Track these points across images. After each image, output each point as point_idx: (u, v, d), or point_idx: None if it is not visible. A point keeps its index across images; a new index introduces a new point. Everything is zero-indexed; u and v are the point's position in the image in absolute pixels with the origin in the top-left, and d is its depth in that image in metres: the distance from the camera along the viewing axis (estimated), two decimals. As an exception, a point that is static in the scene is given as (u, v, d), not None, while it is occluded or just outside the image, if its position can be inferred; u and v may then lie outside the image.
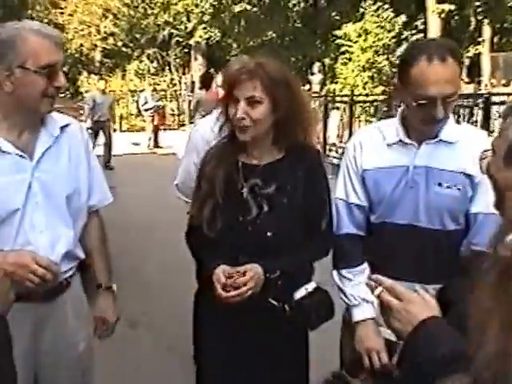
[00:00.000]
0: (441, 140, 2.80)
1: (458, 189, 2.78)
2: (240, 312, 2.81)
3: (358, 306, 2.93)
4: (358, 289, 2.94)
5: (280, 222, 2.88)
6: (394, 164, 2.87)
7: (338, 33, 23.76)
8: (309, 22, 28.83)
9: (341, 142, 15.69)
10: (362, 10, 23.85)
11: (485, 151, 1.81)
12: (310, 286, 2.85)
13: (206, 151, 3.19)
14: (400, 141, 2.86)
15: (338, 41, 23.84)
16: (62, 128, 2.88)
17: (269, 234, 2.87)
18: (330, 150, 15.29)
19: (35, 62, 2.57)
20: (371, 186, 2.94)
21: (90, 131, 13.39)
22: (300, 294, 2.82)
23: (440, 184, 2.78)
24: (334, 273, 3.05)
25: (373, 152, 2.96)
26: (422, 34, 26.19)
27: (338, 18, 28.18)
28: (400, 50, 22.24)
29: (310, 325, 2.95)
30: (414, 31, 25.80)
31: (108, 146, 16.50)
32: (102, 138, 16.51)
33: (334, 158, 14.66)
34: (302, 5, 31.34)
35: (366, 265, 2.97)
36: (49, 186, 2.77)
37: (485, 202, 2.68)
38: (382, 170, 2.90)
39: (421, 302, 1.92)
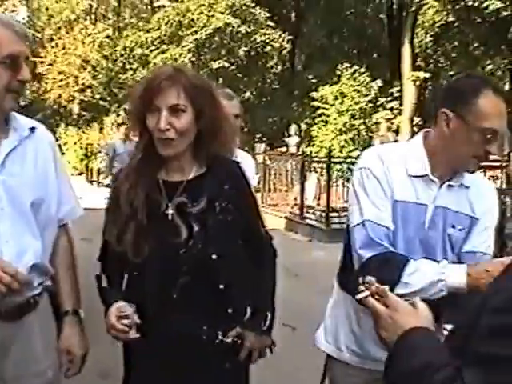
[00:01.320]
0: (461, 184, 2.75)
1: (466, 231, 2.75)
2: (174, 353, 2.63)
3: (446, 272, 2.54)
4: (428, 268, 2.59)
5: (222, 242, 2.65)
6: (414, 200, 2.72)
7: (315, 95, 23.74)
8: (286, 84, 29.11)
9: (318, 204, 15.74)
10: (338, 72, 23.84)
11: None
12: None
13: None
14: (426, 176, 2.71)
15: (314, 103, 23.77)
16: (31, 129, 2.67)
17: (213, 256, 2.61)
18: (307, 212, 15.14)
19: None
20: (398, 219, 2.70)
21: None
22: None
23: (453, 226, 2.74)
24: (400, 289, 2.55)
25: (398, 181, 2.73)
26: (397, 101, 26.58)
27: (314, 80, 28.48)
28: (376, 117, 22.94)
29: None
30: (389, 98, 25.85)
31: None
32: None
33: (311, 219, 14.70)
34: (280, 67, 31.74)
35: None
36: (14, 191, 2.55)
37: (474, 241, 2.74)
38: (401, 203, 2.71)
39: (408, 311, 1.82)
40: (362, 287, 1.99)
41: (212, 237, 2.63)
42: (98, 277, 2.79)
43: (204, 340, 2.64)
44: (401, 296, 2.48)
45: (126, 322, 2.53)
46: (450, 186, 2.74)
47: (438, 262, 2.58)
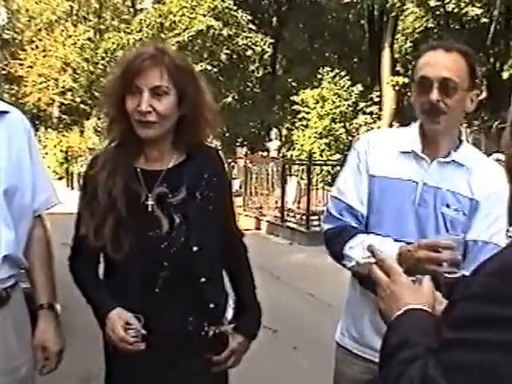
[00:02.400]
0: (453, 160, 2.72)
1: (464, 213, 2.70)
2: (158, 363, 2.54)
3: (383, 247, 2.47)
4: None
5: (204, 233, 2.55)
6: (403, 177, 2.73)
7: (296, 99, 24.01)
8: (267, 88, 29.17)
9: (298, 208, 15.81)
10: (319, 76, 24.09)
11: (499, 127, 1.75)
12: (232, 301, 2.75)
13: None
14: (414, 152, 2.73)
15: (295, 107, 24.02)
16: (2, 114, 2.57)
17: (195, 248, 2.52)
18: (288, 215, 15.16)
19: None
20: (378, 196, 2.76)
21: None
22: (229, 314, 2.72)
23: (448, 206, 2.70)
24: (344, 260, 2.72)
25: (383, 157, 2.79)
26: (377, 106, 26.79)
27: (295, 84, 28.58)
28: (356, 121, 23.27)
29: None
30: (369, 102, 26.22)
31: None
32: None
33: (292, 222, 14.72)
34: (261, 71, 31.79)
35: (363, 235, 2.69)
36: None
37: (477, 229, 2.69)
38: (390, 180, 2.75)
39: (407, 285, 1.76)
40: (367, 253, 2.06)
41: (193, 228, 2.54)
42: (77, 276, 2.66)
43: (190, 331, 2.56)
44: (349, 268, 2.77)
45: (133, 333, 2.45)
46: (441, 163, 2.72)
47: None
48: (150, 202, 2.53)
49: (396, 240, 2.59)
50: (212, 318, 2.63)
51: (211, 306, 2.62)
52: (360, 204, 2.78)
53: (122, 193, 2.48)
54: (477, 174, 2.73)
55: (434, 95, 2.56)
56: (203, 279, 2.57)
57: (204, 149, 2.68)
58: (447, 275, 2.34)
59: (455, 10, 25.44)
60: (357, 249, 2.66)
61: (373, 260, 1.92)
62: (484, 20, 26.10)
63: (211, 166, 2.66)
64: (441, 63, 2.58)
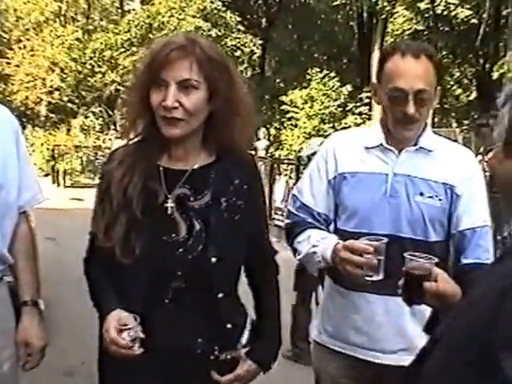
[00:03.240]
0: (421, 147, 2.74)
1: (440, 199, 2.71)
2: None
3: (322, 243, 2.66)
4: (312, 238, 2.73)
5: (224, 244, 2.32)
6: (372, 170, 2.75)
7: (285, 99, 24.17)
8: (256, 88, 29.19)
9: (286, 206, 15.71)
10: (308, 77, 24.23)
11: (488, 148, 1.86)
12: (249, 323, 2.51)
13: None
14: (380, 145, 2.75)
15: (284, 107, 24.19)
16: None
17: (213, 259, 2.29)
18: (276, 214, 15.27)
19: None
20: (347, 192, 2.77)
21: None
22: (245, 337, 2.47)
23: (422, 194, 2.70)
24: (297, 254, 2.82)
25: (350, 155, 2.80)
26: (367, 107, 26.63)
27: (284, 85, 28.87)
28: (345, 121, 23.35)
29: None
30: (358, 103, 26.15)
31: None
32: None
33: (279, 220, 14.58)
34: (250, 72, 31.79)
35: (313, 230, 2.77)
36: None
37: (470, 217, 2.70)
38: (359, 174, 2.77)
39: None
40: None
41: (214, 237, 2.31)
42: (88, 276, 2.48)
43: (198, 354, 2.32)
44: (299, 262, 2.92)
45: (127, 336, 2.19)
46: (410, 152, 2.74)
47: (401, 236, 2.65)
48: (170, 204, 2.32)
49: (368, 234, 2.56)
50: (226, 341, 2.40)
51: (228, 326, 2.39)
52: (315, 202, 2.83)
53: (139, 192, 2.29)
54: (447, 158, 2.77)
55: (411, 109, 2.57)
56: (221, 294, 2.35)
57: (237, 152, 2.44)
58: (367, 278, 2.42)
59: (444, 13, 25.83)
60: (304, 243, 2.75)
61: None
62: (473, 21, 26.43)
63: (243, 171, 2.43)
64: (414, 74, 2.58)
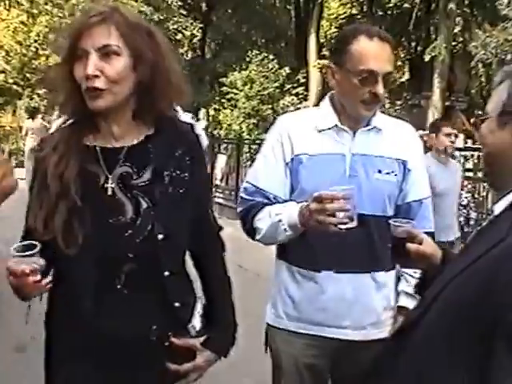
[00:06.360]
0: (374, 127, 2.76)
1: (395, 175, 2.75)
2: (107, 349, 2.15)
3: (285, 210, 2.65)
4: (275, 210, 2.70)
5: (171, 220, 2.18)
6: (329, 151, 2.72)
7: (225, 80, 24.21)
8: (196, 71, 29.07)
9: (227, 184, 16.51)
10: (248, 59, 24.32)
11: (480, 118, 1.77)
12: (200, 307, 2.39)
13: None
14: (335, 126, 2.73)
15: (224, 88, 24.22)
16: None
17: (160, 236, 2.15)
18: (217, 192, 15.82)
19: None
20: (306, 175, 2.72)
21: None
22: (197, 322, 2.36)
23: (380, 171, 2.72)
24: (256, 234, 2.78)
25: (305, 137, 2.75)
26: (303, 87, 27.25)
27: (224, 67, 28.57)
28: (283, 102, 23.47)
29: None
30: (295, 84, 26.56)
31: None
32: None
33: (220, 198, 15.41)
34: (190, 54, 32.13)
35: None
36: None
37: (417, 189, 2.83)
38: (316, 157, 2.72)
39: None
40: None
41: (160, 214, 2.16)
42: None
43: (153, 342, 2.19)
44: (259, 241, 2.81)
45: (25, 266, 1.93)
46: (364, 131, 2.75)
47: (364, 214, 2.59)
48: (111, 185, 2.16)
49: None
50: (178, 323, 2.27)
51: (176, 304, 2.25)
52: (271, 186, 2.78)
53: (77, 176, 2.12)
54: (396, 135, 2.82)
55: (381, 89, 2.60)
56: (167, 273, 2.20)
57: (176, 123, 2.32)
58: (341, 226, 2.36)
59: None
60: (264, 219, 2.72)
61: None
62: (406, 5, 27.02)
63: (184, 142, 2.28)
64: (383, 56, 2.62)
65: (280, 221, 2.62)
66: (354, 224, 2.36)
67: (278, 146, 2.79)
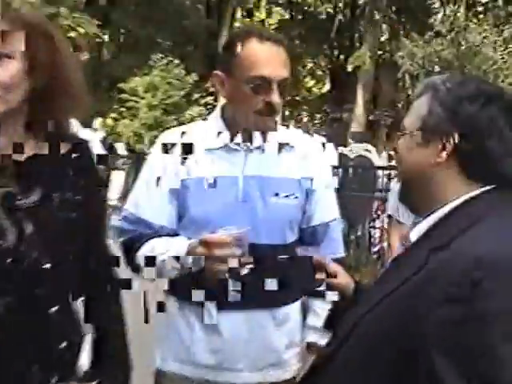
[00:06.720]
0: (273, 143, 2.63)
1: (296, 197, 2.66)
2: None
3: (172, 246, 2.49)
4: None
5: (60, 248, 2.00)
6: (219, 174, 2.58)
7: (124, 86, 23.56)
8: (92, 74, 27.37)
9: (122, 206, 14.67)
10: (151, 63, 24.03)
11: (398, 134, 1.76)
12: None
13: None
14: (226, 146, 2.60)
15: (123, 95, 23.60)
16: None
17: (46, 266, 1.97)
18: (112, 213, 13.70)
19: None
20: (193, 201, 2.57)
21: None
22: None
23: (277, 194, 2.62)
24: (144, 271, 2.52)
25: (190, 159, 2.59)
26: (213, 97, 26.32)
27: (123, 71, 27.70)
28: (190, 112, 23.47)
29: None
30: (204, 93, 26.15)
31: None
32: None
33: (117, 220, 13.71)
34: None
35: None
36: None
37: (322, 211, 2.72)
38: (205, 180, 2.57)
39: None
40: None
41: (48, 240, 1.99)
42: None
43: None
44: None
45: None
46: (259, 151, 2.63)
47: (259, 243, 2.44)
48: None
49: None
50: (63, 365, 2.06)
51: (63, 345, 2.05)
52: (154, 215, 2.62)
53: None
54: (300, 151, 2.71)
55: (276, 97, 2.49)
56: (54, 308, 2.02)
57: (70, 138, 2.16)
58: (242, 271, 2.29)
59: (299, 0, 28.25)
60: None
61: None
62: (328, 10, 28.20)
63: (79, 161, 2.15)
64: (277, 60, 2.51)
65: (164, 261, 2.49)
66: (246, 270, 2.31)
67: (159, 168, 2.64)
